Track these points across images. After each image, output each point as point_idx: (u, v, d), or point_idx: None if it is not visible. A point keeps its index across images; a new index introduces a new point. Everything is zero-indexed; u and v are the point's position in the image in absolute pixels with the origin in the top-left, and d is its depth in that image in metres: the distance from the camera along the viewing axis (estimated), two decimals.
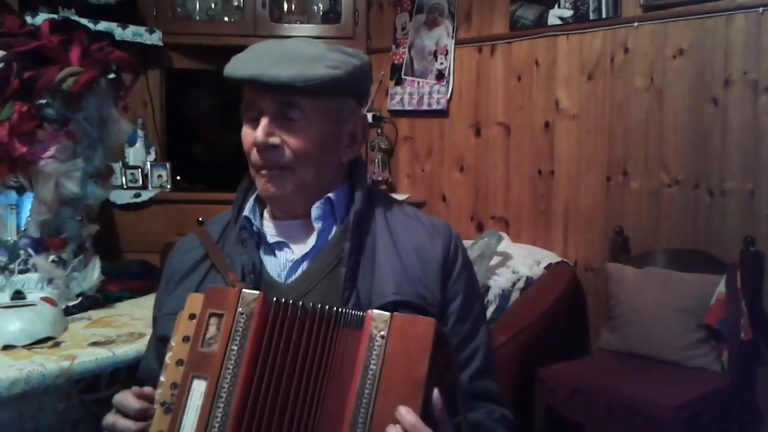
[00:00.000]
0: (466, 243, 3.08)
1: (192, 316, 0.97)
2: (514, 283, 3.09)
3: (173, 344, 0.97)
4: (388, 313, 0.96)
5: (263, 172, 1.15)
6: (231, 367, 0.93)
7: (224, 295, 0.97)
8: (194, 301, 0.98)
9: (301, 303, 0.98)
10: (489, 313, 2.97)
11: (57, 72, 1.73)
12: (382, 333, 0.94)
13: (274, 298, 0.98)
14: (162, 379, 0.95)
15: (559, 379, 2.67)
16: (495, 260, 3.16)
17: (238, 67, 1.12)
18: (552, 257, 3.30)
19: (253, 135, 1.14)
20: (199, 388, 0.93)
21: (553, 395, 2.66)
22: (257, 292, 0.97)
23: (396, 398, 0.91)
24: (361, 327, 0.96)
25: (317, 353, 0.96)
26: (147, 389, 1.00)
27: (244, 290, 0.97)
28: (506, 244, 3.33)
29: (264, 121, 1.12)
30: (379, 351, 0.93)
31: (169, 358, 0.96)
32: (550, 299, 3.00)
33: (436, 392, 0.94)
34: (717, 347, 2.66)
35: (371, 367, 0.93)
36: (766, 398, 2.74)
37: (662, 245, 3.07)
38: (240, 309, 0.96)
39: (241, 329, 0.95)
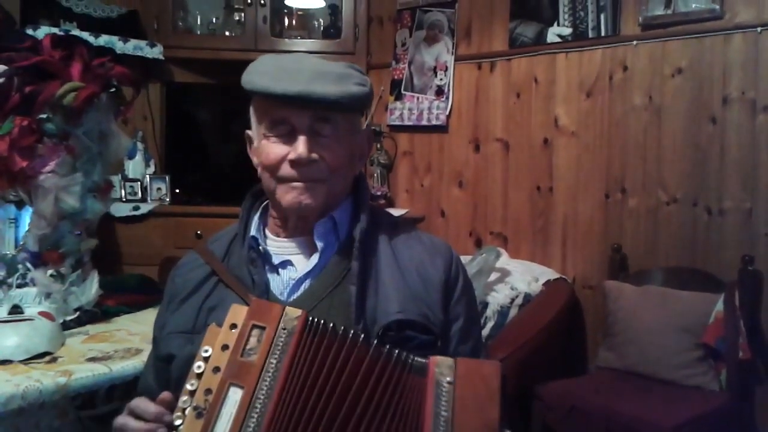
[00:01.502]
0: (465, 259, 3.08)
1: (233, 326, 0.98)
2: (513, 300, 3.08)
3: (207, 353, 0.97)
4: (451, 359, 0.97)
5: (295, 184, 1.15)
6: (268, 379, 0.94)
7: (268, 309, 0.99)
8: (237, 312, 1.00)
9: (343, 328, 0.99)
10: (487, 329, 2.96)
11: (58, 87, 1.74)
12: (449, 379, 0.95)
13: (314, 319, 0.99)
14: (189, 387, 0.96)
15: (557, 396, 2.66)
16: (493, 276, 3.15)
17: (275, 83, 1.11)
18: (550, 274, 3.30)
19: (284, 150, 1.14)
20: (234, 396, 0.94)
21: (551, 413, 2.65)
22: (300, 310, 0.99)
23: None
24: (426, 374, 0.97)
25: (371, 389, 0.96)
26: (166, 394, 1.00)
27: (288, 307, 0.99)
28: (505, 260, 3.32)
29: (303, 138, 1.13)
30: (448, 397, 0.94)
31: (198, 367, 0.97)
32: (549, 316, 2.99)
33: None
34: (715, 366, 2.65)
35: (442, 413, 0.94)
36: (765, 417, 2.74)
37: (660, 263, 3.07)
38: (282, 324, 0.97)
39: (281, 344, 0.96)
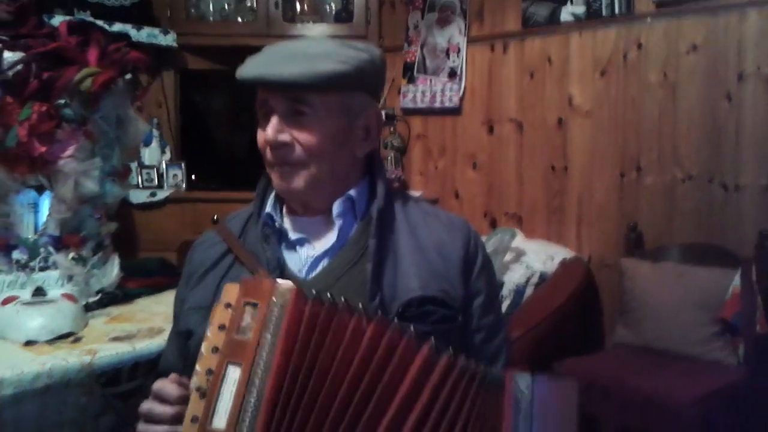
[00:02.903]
0: None
1: (228, 305, 0.99)
2: (528, 279, 3.09)
3: (209, 334, 0.99)
4: (529, 376, 0.98)
5: (277, 169, 1.17)
6: (264, 354, 0.95)
7: (259, 285, 1.00)
8: (230, 291, 1.01)
9: (330, 295, 0.99)
10: (503, 308, 2.97)
11: (75, 73, 1.76)
12: (528, 397, 0.97)
13: (307, 291, 0.99)
14: (197, 367, 0.98)
15: (574, 373, 2.66)
16: (509, 256, 3.17)
17: (246, 68, 1.14)
18: (566, 253, 3.29)
19: (265, 133, 1.16)
20: (233, 374, 0.95)
21: None
22: (290, 283, 0.99)
23: None
24: (502, 389, 0.98)
25: (378, 364, 0.96)
26: (183, 378, 1.03)
27: (278, 280, 1.00)
28: (520, 240, 3.33)
29: (274, 120, 1.14)
30: (525, 414, 0.95)
31: (203, 347, 0.98)
32: (564, 295, 3.00)
33: None
34: (732, 341, 2.65)
35: None
36: None
37: (676, 240, 3.06)
38: (274, 299, 0.98)
39: (275, 319, 0.97)
